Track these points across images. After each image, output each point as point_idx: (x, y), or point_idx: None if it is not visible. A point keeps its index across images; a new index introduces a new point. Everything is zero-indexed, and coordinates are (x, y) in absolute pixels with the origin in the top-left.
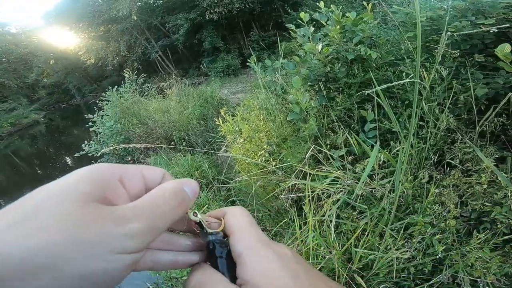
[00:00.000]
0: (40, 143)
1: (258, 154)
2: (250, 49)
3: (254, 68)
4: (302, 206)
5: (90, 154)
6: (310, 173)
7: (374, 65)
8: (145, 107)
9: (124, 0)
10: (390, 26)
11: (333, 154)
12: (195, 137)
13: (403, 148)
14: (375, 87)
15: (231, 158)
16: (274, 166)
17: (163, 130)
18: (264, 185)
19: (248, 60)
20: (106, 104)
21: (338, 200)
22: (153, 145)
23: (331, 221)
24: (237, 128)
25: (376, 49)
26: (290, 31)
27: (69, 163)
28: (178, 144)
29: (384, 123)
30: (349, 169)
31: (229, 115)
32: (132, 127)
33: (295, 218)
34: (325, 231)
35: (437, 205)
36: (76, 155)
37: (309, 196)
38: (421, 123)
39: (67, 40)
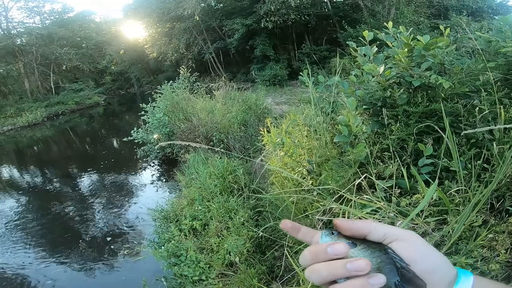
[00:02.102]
0: (95, 123)
1: (296, 170)
2: (300, 61)
3: (306, 82)
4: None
5: (136, 141)
6: (349, 199)
7: (442, 95)
8: (192, 104)
9: (190, 0)
10: (462, 53)
11: (380, 184)
12: (234, 141)
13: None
14: (442, 119)
15: (265, 169)
16: (313, 185)
17: (205, 129)
18: (297, 202)
19: (300, 73)
20: (159, 96)
21: None
22: (197, 145)
23: None
24: (278, 140)
25: (447, 77)
26: (345, 48)
27: (115, 145)
28: (217, 145)
29: (442, 160)
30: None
31: (274, 126)
32: (178, 122)
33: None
34: None
35: (486, 249)
36: (124, 139)
37: None
38: (485, 165)
39: (137, 33)
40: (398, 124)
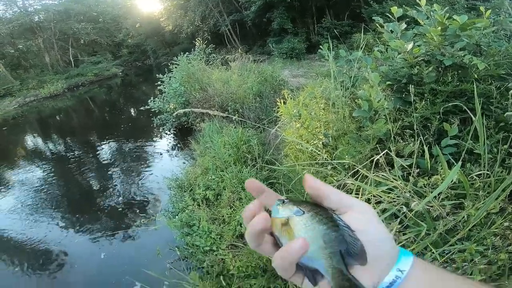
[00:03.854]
0: (113, 93)
1: (311, 143)
2: (319, 35)
3: (325, 56)
4: None
5: (152, 110)
6: (364, 175)
7: (475, 76)
8: (208, 75)
9: None
10: (500, 36)
11: (399, 161)
12: (248, 112)
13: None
14: (471, 100)
15: (280, 140)
16: (328, 159)
17: (220, 99)
18: (312, 174)
19: (320, 47)
20: (175, 67)
21: (385, 210)
22: (213, 112)
23: None
24: (295, 112)
25: (482, 59)
26: (368, 24)
27: (133, 113)
28: (232, 115)
29: (467, 142)
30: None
31: (290, 98)
32: (194, 92)
33: None
34: None
35: (498, 237)
36: (141, 108)
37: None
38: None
39: (152, 6)
40: (423, 102)
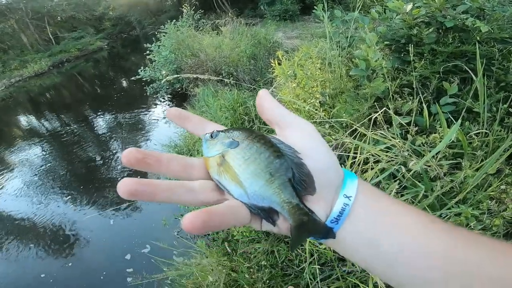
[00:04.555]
0: (102, 67)
1: (308, 102)
2: None
3: (320, 16)
4: (342, 165)
5: (144, 79)
6: (362, 134)
7: (478, 38)
8: (199, 41)
9: None
10: (503, 2)
11: (397, 119)
12: (243, 74)
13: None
14: (472, 61)
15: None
16: (327, 117)
17: (213, 63)
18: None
19: (314, 7)
20: (164, 35)
21: (384, 169)
22: (206, 76)
23: None
24: (290, 72)
25: (485, 22)
26: None
27: (125, 85)
28: (226, 78)
29: (466, 100)
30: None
31: (285, 59)
32: (185, 58)
33: None
34: None
35: (494, 201)
36: (132, 78)
37: (355, 158)
38: (511, 109)
39: None
40: (423, 62)
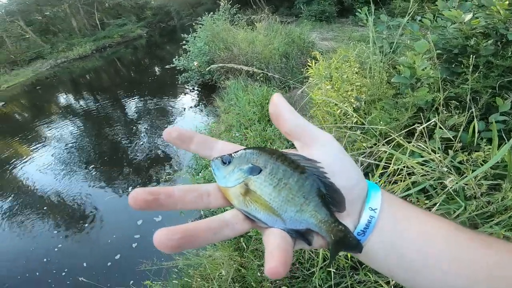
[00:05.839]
0: (139, 53)
1: (341, 106)
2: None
3: (363, 20)
4: (369, 174)
5: (177, 68)
6: (396, 144)
7: None
8: (233, 35)
9: None
10: None
11: (446, 132)
12: (274, 72)
13: None
14: None
15: (306, 101)
16: (359, 123)
17: (245, 58)
18: (337, 139)
19: (358, 10)
20: (200, 27)
21: (415, 182)
22: (250, 68)
23: None
24: (326, 73)
25: None
26: None
27: (158, 72)
28: (256, 73)
29: None
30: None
31: (323, 59)
32: (218, 51)
33: None
34: None
35: None
36: (166, 67)
37: (385, 168)
38: None
39: None
40: (476, 74)
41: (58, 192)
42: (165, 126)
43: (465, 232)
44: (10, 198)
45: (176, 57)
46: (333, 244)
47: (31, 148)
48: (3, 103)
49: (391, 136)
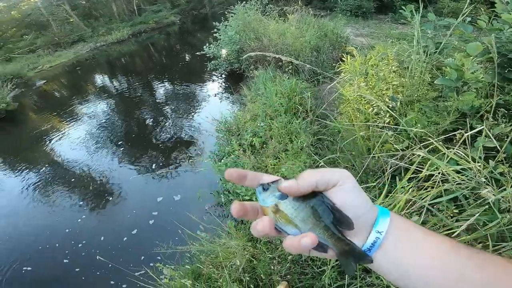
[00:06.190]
0: (172, 40)
1: (374, 105)
2: None
3: (407, 17)
4: (396, 177)
5: (207, 55)
6: (432, 149)
7: None
8: (264, 25)
9: None
10: None
11: (494, 141)
12: (303, 65)
13: None
14: None
15: (335, 97)
16: (392, 124)
17: (275, 49)
18: (366, 139)
19: (402, 7)
20: (232, 16)
21: (447, 190)
22: (287, 58)
23: (424, 207)
24: (362, 70)
25: None
26: None
27: (188, 59)
28: (285, 65)
29: None
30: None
31: (359, 55)
32: (248, 41)
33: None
34: (410, 214)
35: None
36: (196, 53)
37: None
38: None
39: None
40: None
41: (86, 166)
42: (192, 110)
43: (462, 248)
44: (43, 169)
45: (207, 44)
46: (339, 255)
47: (66, 123)
48: (45, 81)
49: (428, 140)
